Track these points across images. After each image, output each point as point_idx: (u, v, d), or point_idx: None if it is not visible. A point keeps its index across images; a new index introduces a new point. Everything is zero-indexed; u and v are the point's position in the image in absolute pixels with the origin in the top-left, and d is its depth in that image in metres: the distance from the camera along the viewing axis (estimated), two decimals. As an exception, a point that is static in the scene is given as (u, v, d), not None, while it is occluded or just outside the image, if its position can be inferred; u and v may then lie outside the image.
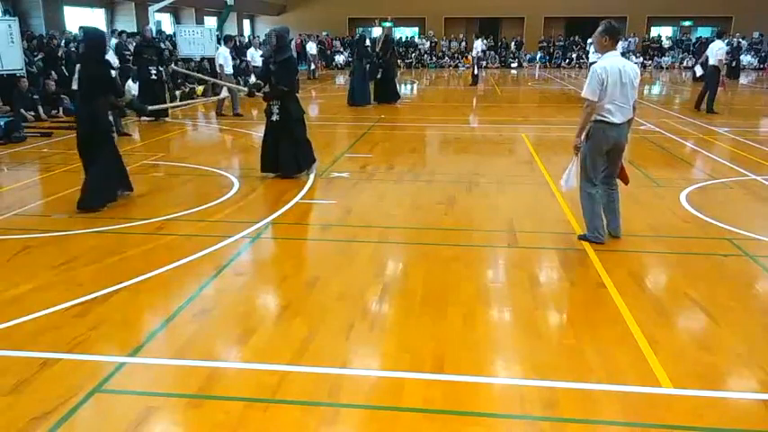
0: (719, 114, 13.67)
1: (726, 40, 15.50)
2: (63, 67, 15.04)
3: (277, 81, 7.35)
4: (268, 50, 7.96)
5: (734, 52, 25.91)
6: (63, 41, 16.48)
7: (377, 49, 15.85)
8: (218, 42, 17.81)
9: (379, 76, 15.74)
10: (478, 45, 21.53)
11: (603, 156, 5.06)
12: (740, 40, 30.01)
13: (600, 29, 5.01)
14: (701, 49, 25.20)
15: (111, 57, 10.78)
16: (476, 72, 21.72)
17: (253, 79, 18.43)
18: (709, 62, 13.97)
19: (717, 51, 13.72)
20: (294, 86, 7.64)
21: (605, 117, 4.90)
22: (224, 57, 13.58)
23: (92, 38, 6.41)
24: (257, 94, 7.66)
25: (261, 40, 27.52)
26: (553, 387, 3.17)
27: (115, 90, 6.60)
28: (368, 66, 15.56)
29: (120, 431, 2.82)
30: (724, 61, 14.09)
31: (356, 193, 7.07)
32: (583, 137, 5.05)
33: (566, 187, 5.30)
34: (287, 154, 7.47)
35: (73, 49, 16.24)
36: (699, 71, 14.95)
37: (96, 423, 2.91)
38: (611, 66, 4.85)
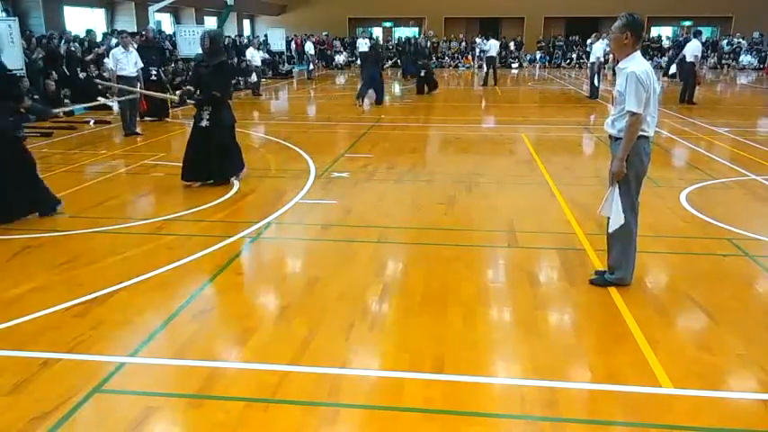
0: (698, 105, 15.26)
1: (702, 40, 16.88)
2: (64, 67, 15.05)
3: (209, 86, 7.00)
4: (200, 54, 7.51)
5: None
6: (63, 41, 16.48)
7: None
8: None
9: (422, 73, 18.57)
10: (494, 45, 21.87)
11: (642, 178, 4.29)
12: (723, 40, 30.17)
13: (619, 23, 4.10)
14: (676, 50, 25.58)
15: (132, 58, 10.81)
16: (486, 71, 22.01)
17: (254, 78, 18.58)
18: (686, 60, 15.70)
19: (693, 49, 15.31)
20: (227, 92, 7.36)
21: (645, 131, 4.11)
22: None
23: None
24: (189, 101, 7.34)
25: (261, 40, 27.60)
26: (553, 387, 3.17)
27: (12, 94, 5.92)
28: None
29: (120, 431, 2.82)
30: (699, 58, 15.82)
31: (356, 193, 7.07)
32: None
33: (617, 225, 4.22)
34: (217, 161, 7.15)
35: (73, 48, 16.25)
36: (673, 70, 16.19)
37: (96, 423, 2.91)
38: (649, 69, 4.07)
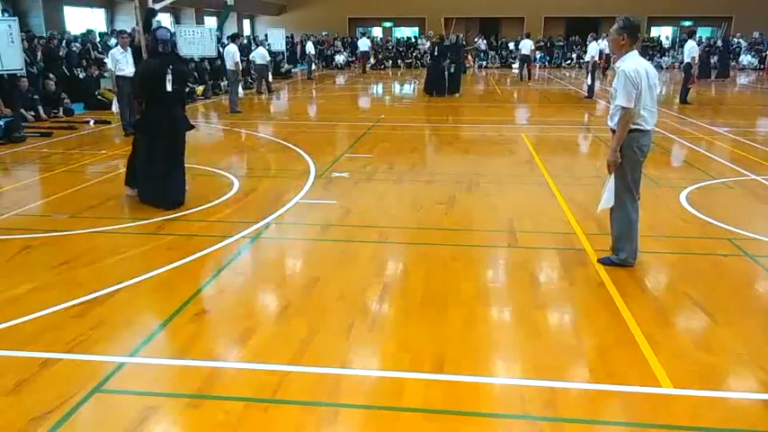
0: (696, 105, 15.41)
1: (697, 40, 17.13)
2: (64, 68, 15.03)
3: None
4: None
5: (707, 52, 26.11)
6: (64, 42, 16.47)
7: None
8: (218, 42, 17.85)
9: (452, 70, 18.03)
10: (527, 44, 23.37)
11: (641, 167, 4.63)
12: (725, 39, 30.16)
13: (616, 25, 4.50)
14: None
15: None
16: (521, 69, 23.98)
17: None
18: (685, 60, 15.83)
19: (689, 50, 15.49)
20: None
21: (641, 125, 4.44)
22: (231, 53, 14.06)
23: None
24: None
25: (261, 40, 27.59)
26: (553, 387, 3.17)
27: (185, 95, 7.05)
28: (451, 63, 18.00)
29: (120, 431, 2.82)
30: (696, 59, 15.82)
31: (356, 193, 7.07)
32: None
33: (603, 208, 4.72)
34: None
35: (74, 48, 16.23)
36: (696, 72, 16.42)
37: (96, 423, 2.91)
38: (641, 67, 4.40)
